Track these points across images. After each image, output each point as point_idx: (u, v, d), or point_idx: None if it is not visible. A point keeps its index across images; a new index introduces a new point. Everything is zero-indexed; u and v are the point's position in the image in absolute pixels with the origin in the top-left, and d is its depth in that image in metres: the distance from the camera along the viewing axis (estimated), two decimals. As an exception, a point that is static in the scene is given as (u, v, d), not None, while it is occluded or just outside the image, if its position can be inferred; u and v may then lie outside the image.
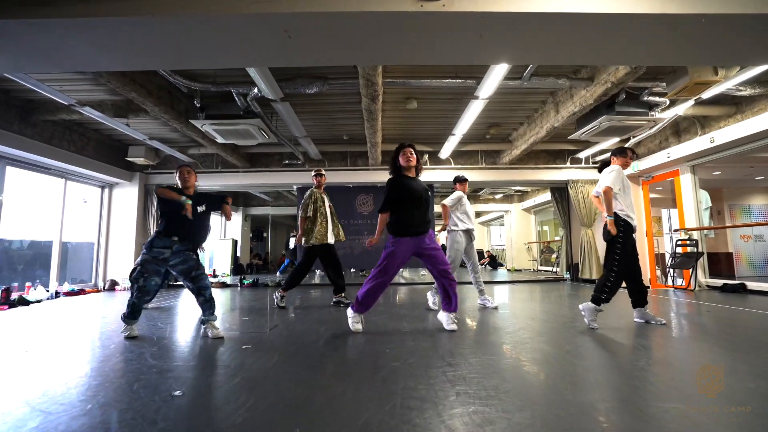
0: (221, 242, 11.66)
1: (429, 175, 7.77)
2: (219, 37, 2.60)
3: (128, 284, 6.79)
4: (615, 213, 3.21)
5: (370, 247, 3.32)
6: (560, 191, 8.46)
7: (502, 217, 14.85)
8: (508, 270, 12.73)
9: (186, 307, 4.72)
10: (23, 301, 5.07)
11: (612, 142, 6.65)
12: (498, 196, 13.46)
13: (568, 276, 8.26)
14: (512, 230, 13.57)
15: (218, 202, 3.21)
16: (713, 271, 6.52)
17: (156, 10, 2.38)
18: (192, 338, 2.96)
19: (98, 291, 6.88)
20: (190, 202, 2.99)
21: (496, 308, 4.21)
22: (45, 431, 1.41)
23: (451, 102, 5.50)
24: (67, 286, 6.32)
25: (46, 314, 4.32)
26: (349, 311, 3.08)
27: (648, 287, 3.30)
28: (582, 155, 7.60)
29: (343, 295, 4.59)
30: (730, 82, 4.36)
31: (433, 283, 4.36)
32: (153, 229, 7.47)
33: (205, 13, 2.36)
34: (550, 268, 11.53)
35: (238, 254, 12.03)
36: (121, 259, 7.39)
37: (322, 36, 2.61)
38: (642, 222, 7.27)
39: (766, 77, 4.52)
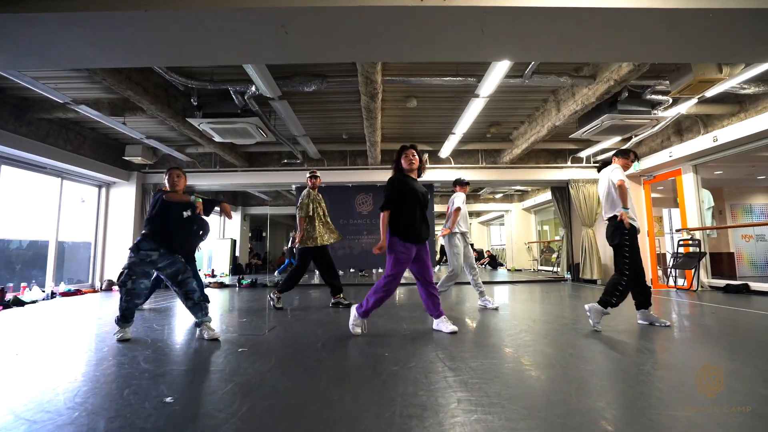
0: (220, 242, 11.59)
1: (429, 174, 7.70)
2: (214, 33, 2.54)
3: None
4: (617, 216, 3.17)
5: (378, 252, 2.99)
6: (561, 191, 8.41)
7: (502, 216, 14.80)
8: (508, 270, 12.68)
9: (183, 308, 4.65)
10: (18, 302, 5.00)
11: (614, 141, 6.59)
12: (498, 196, 13.41)
13: (569, 276, 8.21)
14: (512, 230, 13.52)
15: (207, 204, 3.16)
16: (714, 271, 6.46)
17: (150, 5, 2.32)
18: (187, 341, 2.90)
19: (95, 291, 6.81)
20: (200, 200, 3.00)
21: (496, 309, 4.15)
22: (29, 441, 1.35)
23: (451, 100, 5.43)
24: (63, 287, 6.25)
25: (41, 315, 4.26)
26: (353, 314, 2.99)
27: (650, 288, 3.24)
28: (583, 154, 7.54)
29: (341, 295, 4.53)
30: (734, 80, 4.30)
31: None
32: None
33: (200, 7, 2.30)
34: (550, 268, 11.48)
35: (237, 254, 11.96)
36: (119, 259, 7.30)
37: (320, 32, 2.54)
38: (643, 222, 7.21)
39: (771, 75, 4.47)
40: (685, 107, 5.15)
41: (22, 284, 5.53)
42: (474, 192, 12.67)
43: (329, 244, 4.42)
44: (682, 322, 3.49)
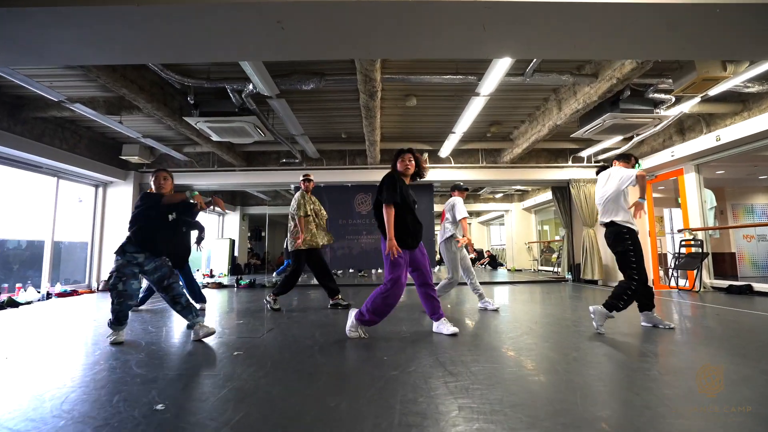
0: (219, 242, 11.53)
1: (429, 174, 7.60)
2: (208, 29, 2.48)
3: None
4: (615, 222, 3.11)
5: (393, 257, 2.79)
6: (562, 190, 8.35)
7: (502, 216, 14.75)
8: (509, 270, 12.63)
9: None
10: (12, 303, 4.94)
11: (615, 140, 6.54)
12: (498, 196, 13.35)
13: (570, 276, 8.15)
14: (512, 230, 13.47)
15: (190, 206, 3.11)
16: (716, 271, 6.40)
17: (142, 0, 2.25)
18: (182, 343, 2.83)
19: (92, 292, 6.75)
20: (197, 193, 3.01)
21: (497, 310, 4.10)
22: (10, 452, 1.29)
23: (451, 99, 5.38)
24: (59, 287, 6.19)
25: (35, 317, 4.20)
26: (351, 319, 2.91)
27: (653, 289, 3.19)
28: (584, 154, 7.48)
29: (339, 296, 4.47)
30: (738, 79, 4.24)
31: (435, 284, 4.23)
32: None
33: (193, 2, 2.24)
34: (550, 269, 11.43)
35: (236, 254, 11.90)
36: (116, 259, 7.25)
37: (317, 28, 2.48)
38: (645, 222, 7.16)
39: (775, 73, 4.41)
40: (688, 106, 5.09)
41: (17, 285, 5.47)
42: (474, 192, 12.61)
43: (321, 247, 4.39)
44: (686, 325, 3.43)
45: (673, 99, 4.78)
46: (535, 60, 4.02)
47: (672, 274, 6.51)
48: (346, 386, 1.90)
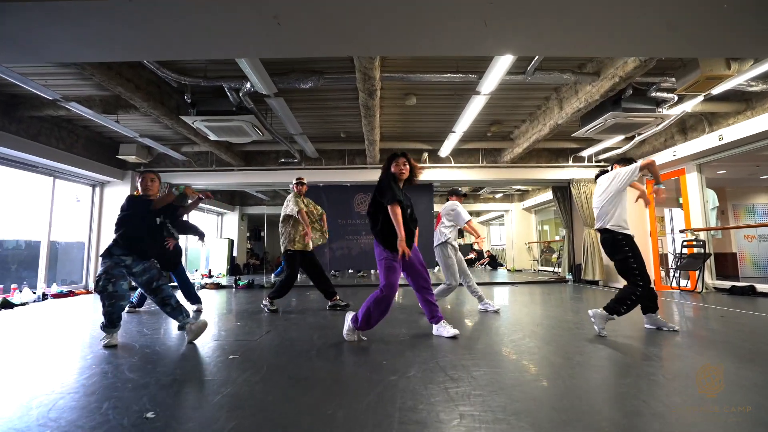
0: (217, 242, 11.48)
1: (428, 174, 7.59)
2: (202, 25, 2.42)
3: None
4: (608, 229, 3.04)
5: (408, 258, 2.78)
6: (562, 190, 8.30)
7: (502, 216, 14.69)
8: (509, 270, 12.57)
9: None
10: (7, 304, 4.87)
11: (616, 139, 6.49)
12: (498, 196, 13.30)
13: (571, 277, 8.10)
14: (512, 230, 13.41)
15: (172, 208, 3.10)
16: (717, 272, 6.35)
17: (134, -5, 2.20)
18: (177, 346, 2.77)
19: (89, 293, 6.68)
20: (184, 186, 3.01)
21: (497, 312, 4.04)
22: (-9, 465, 1.23)
23: (451, 98, 5.32)
24: (55, 288, 6.12)
25: (29, 318, 4.14)
26: (348, 323, 2.85)
27: (656, 292, 3.13)
28: (585, 153, 7.43)
29: (337, 297, 4.41)
30: (742, 77, 4.19)
31: (436, 284, 4.17)
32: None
33: (187, -4, 2.18)
34: (550, 269, 11.38)
35: (235, 254, 11.84)
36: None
37: (315, 23, 2.43)
38: (646, 222, 7.11)
39: (779, 72, 4.35)
40: (691, 105, 5.04)
41: (13, 286, 5.41)
42: (474, 192, 12.56)
43: (314, 248, 4.37)
44: (690, 327, 3.37)
45: (676, 98, 4.72)
46: (536, 58, 3.95)
47: (674, 274, 6.46)
48: (344, 392, 1.84)
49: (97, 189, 7.40)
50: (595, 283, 7.36)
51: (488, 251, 14.82)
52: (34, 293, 5.61)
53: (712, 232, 6.29)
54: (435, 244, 4.13)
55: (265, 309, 4.24)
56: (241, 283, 7.46)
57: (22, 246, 6.24)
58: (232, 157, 7.25)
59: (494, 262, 13.87)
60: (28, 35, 2.54)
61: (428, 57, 4.12)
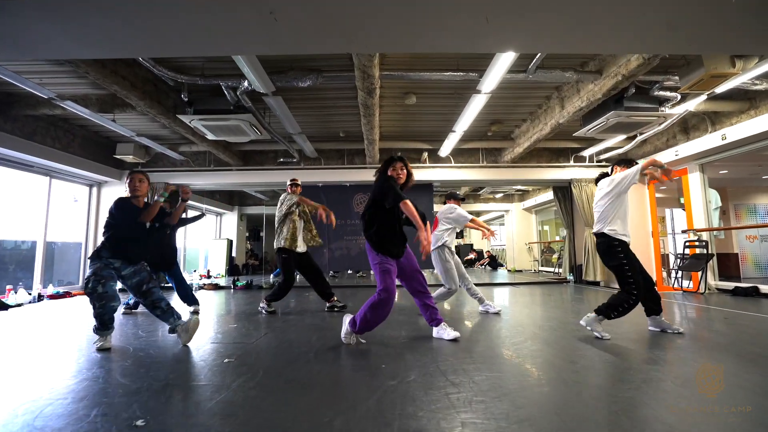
0: (216, 242, 11.42)
1: (428, 173, 7.54)
2: (197, 21, 2.36)
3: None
4: (605, 233, 2.98)
5: (427, 247, 2.71)
6: (563, 190, 8.24)
7: (502, 216, 14.64)
8: (509, 271, 12.52)
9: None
10: (1, 305, 4.81)
11: (618, 139, 6.43)
12: (498, 196, 13.24)
13: (572, 278, 8.04)
14: (513, 230, 13.36)
15: (164, 214, 3.07)
16: (719, 272, 6.30)
17: (127, -11, 2.14)
18: (172, 350, 2.71)
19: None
20: (167, 195, 3.08)
21: (498, 313, 3.98)
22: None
23: (451, 97, 5.26)
24: (51, 289, 6.06)
25: (23, 320, 4.08)
26: (346, 326, 2.78)
27: (659, 294, 3.07)
28: (586, 153, 7.37)
29: (335, 298, 4.36)
30: (746, 75, 4.13)
31: (438, 286, 4.11)
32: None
33: (181, -9, 2.13)
34: (551, 269, 11.32)
35: (234, 254, 11.77)
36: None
37: (312, 19, 2.37)
38: (648, 222, 7.05)
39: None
40: (694, 104, 4.98)
41: (8, 286, 5.34)
42: (474, 192, 12.50)
43: (308, 249, 4.32)
44: (695, 329, 3.32)
45: (679, 97, 4.66)
46: (538, 56, 3.90)
47: (676, 275, 6.40)
48: (341, 398, 1.79)
49: (94, 189, 7.34)
50: (596, 284, 7.30)
51: (488, 251, 14.77)
52: (30, 294, 5.55)
53: (715, 232, 6.23)
54: (431, 248, 4.04)
55: (262, 312, 4.18)
56: (239, 283, 7.40)
57: (19, 246, 6.18)
58: (230, 157, 7.19)
59: (494, 263, 13.82)
60: (26, 32, 2.49)
61: (428, 55, 4.06)
